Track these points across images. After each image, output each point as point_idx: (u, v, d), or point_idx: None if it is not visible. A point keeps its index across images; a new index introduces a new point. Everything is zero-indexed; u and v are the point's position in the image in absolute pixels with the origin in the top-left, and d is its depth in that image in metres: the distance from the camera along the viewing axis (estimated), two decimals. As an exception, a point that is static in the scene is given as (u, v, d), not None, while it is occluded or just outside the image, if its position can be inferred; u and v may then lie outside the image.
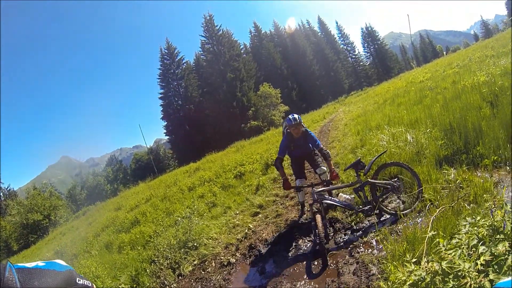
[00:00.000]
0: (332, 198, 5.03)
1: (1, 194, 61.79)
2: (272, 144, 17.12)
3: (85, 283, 0.73)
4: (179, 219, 8.95)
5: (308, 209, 5.82)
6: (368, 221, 4.94)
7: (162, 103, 53.71)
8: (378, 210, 4.77)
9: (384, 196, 5.16)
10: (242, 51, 54.33)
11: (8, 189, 63.54)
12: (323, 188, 5.13)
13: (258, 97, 41.03)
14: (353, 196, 5.13)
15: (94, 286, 0.74)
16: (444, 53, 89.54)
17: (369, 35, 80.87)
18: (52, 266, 0.70)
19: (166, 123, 53.02)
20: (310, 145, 5.92)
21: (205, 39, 50.49)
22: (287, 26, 69.21)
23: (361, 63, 78.38)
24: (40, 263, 0.70)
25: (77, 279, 0.72)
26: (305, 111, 41.95)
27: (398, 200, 5.17)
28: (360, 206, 4.97)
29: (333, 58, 67.43)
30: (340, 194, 5.23)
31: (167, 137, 54.36)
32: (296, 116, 5.62)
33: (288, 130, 5.85)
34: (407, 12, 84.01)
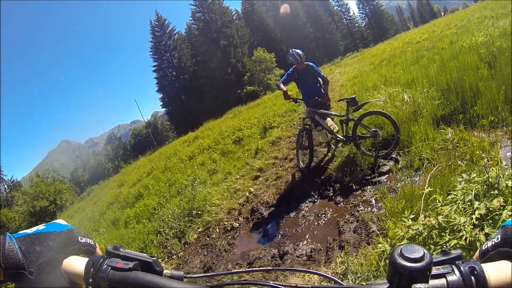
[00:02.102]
0: (321, 119, 6.11)
1: (5, 186, 62.81)
2: (269, 108, 16.97)
3: (88, 241, 0.72)
4: (182, 188, 9.03)
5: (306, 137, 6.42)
6: (366, 180, 4.96)
7: (156, 76, 52.96)
8: (353, 144, 5.65)
9: (362, 138, 5.69)
10: (234, 17, 52.94)
11: (11, 180, 64.16)
12: (318, 110, 6.21)
13: (252, 62, 40.45)
14: (336, 127, 5.97)
15: (96, 244, 0.73)
16: (442, 13, 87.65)
17: None
18: (52, 228, 0.69)
19: (162, 95, 52.50)
20: (314, 76, 6.49)
21: (195, 7, 49.02)
22: None
23: (356, 24, 75.89)
24: (41, 226, 0.70)
25: (79, 237, 0.71)
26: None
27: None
28: (340, 137, 5.89)
29: (327, 20, 65.46)
30: (328, 119, 6.11)
31: (164, 109, 53.94)
32: (300, 51, 6.34)
33: (294, 65, 6.51)
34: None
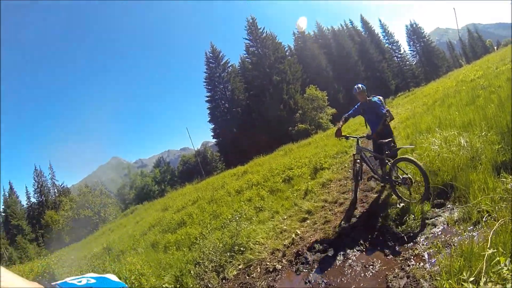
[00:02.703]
0: (367, 156, 6.70)
1: (55, 190, 67.38)
2: (320, 148, 16.80)
3: None
4: (226, 222, 9.01)
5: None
6: (418, 231, 4.68)
7: (209, 106, 54.20)
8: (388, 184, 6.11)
9: (396, 182, 5.84)
10: (287, 53, 53.89)
11: (62, 186, 69.40)
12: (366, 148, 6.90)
13: (305, 99, 40.47)
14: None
15: None
16: (495, 48, 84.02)
17: (414, 33, 77.71)
18: (103, 284, 0.66)
19: (213, 126, 53.49)
20: (377, 111, 6.77)
21: (249, 42, 50.57)
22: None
23: (407, 62, 74.92)
24: (91, 280, 0.66)
25: None
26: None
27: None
28: (377, 175, 6.45)
29: (378, 58, 64.98)
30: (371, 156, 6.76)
31: (215, 140, 54.88)
32: (360, 85, 7.07)
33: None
34: (453, 6, 79.99)
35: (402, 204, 5.39)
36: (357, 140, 7.00)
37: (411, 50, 78.09)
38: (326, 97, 39.88)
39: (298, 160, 14.62)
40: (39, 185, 66.73)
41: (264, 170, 16.52)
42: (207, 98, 54.52)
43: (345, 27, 72.82)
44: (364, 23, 75.10)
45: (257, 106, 47.00)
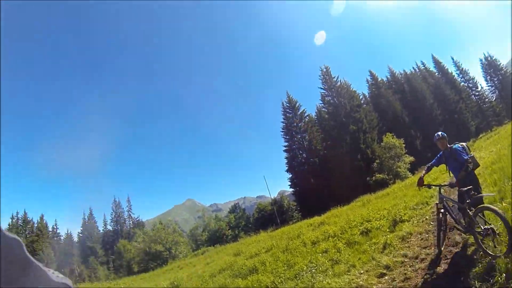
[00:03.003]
0: (450, 206, 6.59)
1: (130, 222, 73.69)
2: (399, 198, 16.02)
3: None
4: (300, 273, 8.85)
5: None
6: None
7: (286, 156, 54.41)
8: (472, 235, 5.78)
9: (478, 233, 5.52)
10: (362, 101, 53.14)
11: (137, 219, 75.90)
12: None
13: (382, 148, 39.33)
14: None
15: None
16: None
17: (490, 66, 70.98)
18: None
19: (291, 175, 53.45)
20: (458, 159, 6.69)
21: (324, 91, 50.77)
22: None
23: (486, 99, 68.82)
24: None
25: None
26: (431, 160, 38.59)
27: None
28: (460, 225, 6.24)
29: (454, 99, 60.70)
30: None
31: (292, 189, 54.58)
32: (440, 133, 7.21)
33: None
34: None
35: (489, 259, 4.99)
36: (439, 188, 7.01)
37: (489, 86, 70.90)
38: (403, 145, 38.38)
39: (377, 212, 14.04)
40: (116, 215, 73.62)
41: (341, 221, 16.05)
42: (285, 148, 55.01)
43: (417, 70, 70.18)
44: (436, 63, 71.25)
45: (334, 157, 46.41)
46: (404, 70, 68.20)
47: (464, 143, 7.03)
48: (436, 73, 70.27)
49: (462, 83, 69.84)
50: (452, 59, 72.65)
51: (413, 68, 71.12)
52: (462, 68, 71.00)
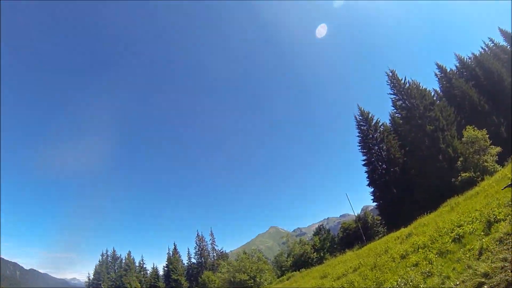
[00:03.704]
0: None
1: (214, 254, 77.02)
2: (491, 196, 14.74)
3: None
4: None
5: None
6: None
7: (366, 170, 52.74)
8: None
9: None
10: (435, 98, 49.97)
11: (221, 251, 78.69)
12: None
13: (464, 144, 36.64)
14: None
15: None
16: None
17: None
18: None
19: (372, 189, 51.71)
20: None
21: (394, 96, 48.58)
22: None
23: None
24: None
25: None
26: (520, 147, 35.26)
27: None
28: None
29: None
30: None
31: (375, 203, 52.70)
32: None
33: None
34: None
35: None
36: None
37: None
38: (487, 136, 35.50)
39: (467, 215, 13.08)
40: (200, 249, 76.90)
41: (430, 230, 15.17)
42: (364, 162, 53.60)
43: (486, 49, 64.42)
44: (505, 35, 64.11)
45: (415, 162, 44.21)
46: (472, 53, 62.24)
47: None
48: (508, 47, 63.67)
49: None
50: None
51: (482, 48, 65.25)
52: None
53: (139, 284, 65.59)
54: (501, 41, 65.26)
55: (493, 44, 65.20)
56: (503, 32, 65.51)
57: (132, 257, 72.62)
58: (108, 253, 71.57)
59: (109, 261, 70.61)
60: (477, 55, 61.46)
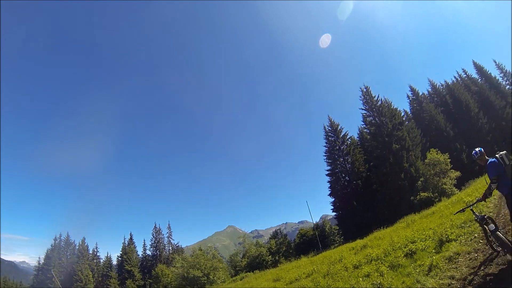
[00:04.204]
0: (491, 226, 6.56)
1: (170, 248, 76.37)
2: (445, 217, 15.23)
3: None
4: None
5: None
6: None
7: (329, 180, 53.49)
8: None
9: None
10: (404, 119, 51.39)
11: (177, 245, 78.07)
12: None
13: (426, 165, 37.99)
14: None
15: None
16: None
17: None
18: None
19: (333, 199, 52.48)
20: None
21: (365, 111, 49.65)
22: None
23: None
24: None
25: None
26: (479, 174, 36.51)
27: None
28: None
29: (500, 105, 56.61)
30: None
31: (334, 213, 53.41)
32: (477, 149, 7.15)
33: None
34: None
35: None
36: (471, 209, 7.64)
37: None
38: (449, 160, 36.87)
39: (422, 232, 13.44)
40: (156, 241, 76.07)
41: (384, 243, 15.49)
42: (328, 172, 54.29)
43: (459, 79, 67.15)
44: (478, 68, 67.78)
45: (378, 177, 45.23)
46: (445, 81, 65.15)
47: (503, 152, 6.85)
48: (479, 80, 66.72)
49: (508, 87, 65.08)
50: (495, 62, 68.16)
51: (454, 77, 68.13)
52: (506, 71, 66.28)
53: (90, 273, 63.54)
54: (473, 73, 68.67)
55: (465, 75, 68.41)
56: (477, 66, 68.83)
57: (86, 244, 69.95)
58: (61, 237, 68.43)
59: (62, 246, 67.61)
60: (449, 83, 64.25)
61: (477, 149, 7.17)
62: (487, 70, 67.28)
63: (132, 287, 61.70)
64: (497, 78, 66.27)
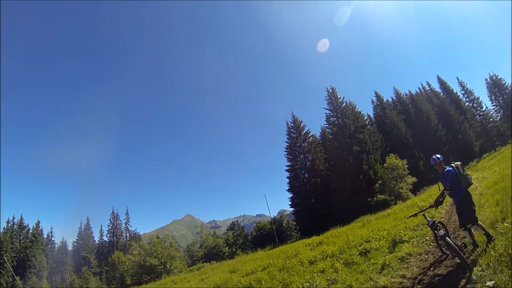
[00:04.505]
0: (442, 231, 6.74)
1: (127, 234, 74.08)
2: (400, 219, 15.81)
3: None
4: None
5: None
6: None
7: (288, 176, 54.21)
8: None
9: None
10: (366, 122, 52.68)
11: (134, 232, 75.76)
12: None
13: (384, 169, 39.05)
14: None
15: None
16: None
17: (495, 85, 71.56)
18: None
19: (292, 195, 53.06)
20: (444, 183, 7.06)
21: (329, 112, 50.26)
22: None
23: (491, 119, 68.73)
24: None
25: None
26: (433, 181, 38.41)
27: None
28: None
29: (459, 119, 60.70)
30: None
31: (292, 209, 54.06)
32: (437, 156, 7.33)
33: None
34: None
35: (492, 282, 4.80)
36: (423, 214, 7.80)
37: (493, 105, 71.59)
38: (407, 166, 38.10)
39: (376, 232, 13.87)
40: (114, 227, 73.27)
41: (340, 241, 15.79)
42: (287, 167, 54.77)
43: (422, 90, 71.00)
44: (442, 83, 72.16)
45: (337, 177, 46.09)
46: (409, 91, 68.14)
47: (458, 163, 7.21)
48: (441, 94, 70.64)
49: (467, 104, 69.74)
50: (458, 79, 72.74)
51: (419, 88, 71.81)
52: (467, 88, 71.24)
53: (45, 258, 60.41)
54: (436, 87, 73.06)
55: (429, 88, 72.37)
56: (440, 80, 73.10)
57: (40, 228, 65.32)
58: (15, 220, 64.33)
59: (15, 229, 63.51)
60: (413, 93, 66.88)
61: (437, 156, 7.36)
62: (450, 86, 72.00)
63: (88, 274, 59.36)
64: (458, 94, 70.75)
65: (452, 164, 7.12)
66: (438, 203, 7.30)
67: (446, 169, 7.04)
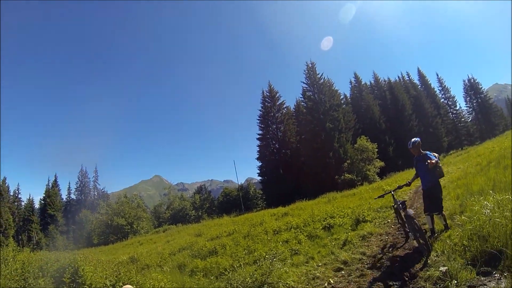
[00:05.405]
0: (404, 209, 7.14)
1: (95, 193, 72.50)
2: (364, 199, 16.36)
3: None
4: (260, 259, 8.90)
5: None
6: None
7: (259, 144, 54.74)
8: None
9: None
10: (342, 102, 53.10)
11: (102, 190, 74.47)
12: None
13: (354, 150, 39.59)
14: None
15: None
16: None
17: (471, 88, 74.19)
18: None
19: (261, 164, 53.75)
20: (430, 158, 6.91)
21: (306, 86, 50.43)
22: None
23: (463, 119, 71.32)
24: None
25: None
26: (401, 168, 39.62)
27: None
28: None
29: (433, 113, 62.92)
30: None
31: (260, 178, 54.92)
32: (416, 139, 7.42)
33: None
34: (512, 60, 75.81)
35: (445, 268, 5.09)
36: (392, 195, 7.74)
37: (467, 107, 74.56)
38: (376, 149, 38.86)
39: (341, 210, 14.24)
40: (82, 185, 71.32)
41: (305, 214, 16.15)
42: (259, 136, 55.04)
43: (401, 79, 71.67)
44: (421, 76, 73.83)
45: (307, 151, 46.66)
46: (388, 78, 68.81)
47: (436, 154, 7.28)
48: (419, 86, 72.02)
49: (442, 100, 72.21)
50: (437, 75, 74.82)
51: (398, 77, 72.30)
52: (445, 86, 73.65)
53: (11, 217, 58.49)
54: (416, 79, 74.25)
55: (408, 78, 72.99)
56: (420, 73, 74.79)
57: (7, 185, 62.94)
58: None
59: None
60: (392, 81, 67.27)
61: (416, 139, 7.41)
62: (428, 80, 73.69)
63: (54, 233, 58.23)
64: (435, 90, 72.68)
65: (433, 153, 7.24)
66: (409, 184, 7.68)
67: (426, 152, 7.19)
